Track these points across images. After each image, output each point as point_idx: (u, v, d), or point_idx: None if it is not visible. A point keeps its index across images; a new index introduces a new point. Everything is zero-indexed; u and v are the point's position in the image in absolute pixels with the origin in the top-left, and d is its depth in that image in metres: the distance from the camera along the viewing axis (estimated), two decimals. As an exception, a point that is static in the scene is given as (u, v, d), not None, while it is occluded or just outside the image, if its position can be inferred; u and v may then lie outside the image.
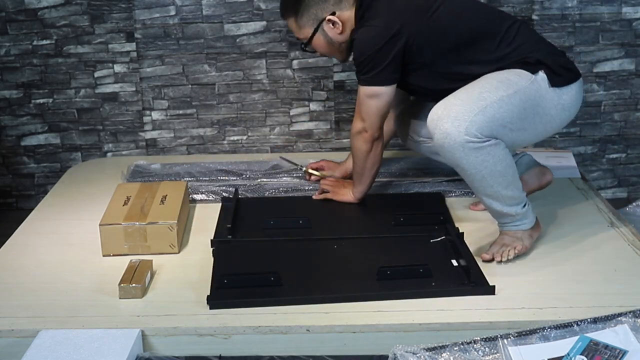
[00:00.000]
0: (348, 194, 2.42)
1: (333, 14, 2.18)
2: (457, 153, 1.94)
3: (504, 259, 2.05)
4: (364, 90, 2.16)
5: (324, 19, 2.19)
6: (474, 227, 2.28)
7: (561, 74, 2.06)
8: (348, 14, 2.19)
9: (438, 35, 2.09)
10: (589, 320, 1.66)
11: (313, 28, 2.21)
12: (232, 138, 3.13)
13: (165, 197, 2.31)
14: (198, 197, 2.54)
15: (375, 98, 2.16)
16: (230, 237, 2.21)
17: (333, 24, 2.19)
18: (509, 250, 2.06)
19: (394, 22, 2.08)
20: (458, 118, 1.92)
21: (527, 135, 2.06)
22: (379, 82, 2.13)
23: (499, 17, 2.16)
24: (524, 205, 2.06)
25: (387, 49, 2.08)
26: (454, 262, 2.03)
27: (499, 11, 2.25)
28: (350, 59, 2.26)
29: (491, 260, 2.05)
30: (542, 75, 2.04)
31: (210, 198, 2.54)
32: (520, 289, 1.92)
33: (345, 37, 2.21)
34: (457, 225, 2.26)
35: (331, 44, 2.24)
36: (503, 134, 1.97)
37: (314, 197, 2.48)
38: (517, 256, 2.07)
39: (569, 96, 2.07)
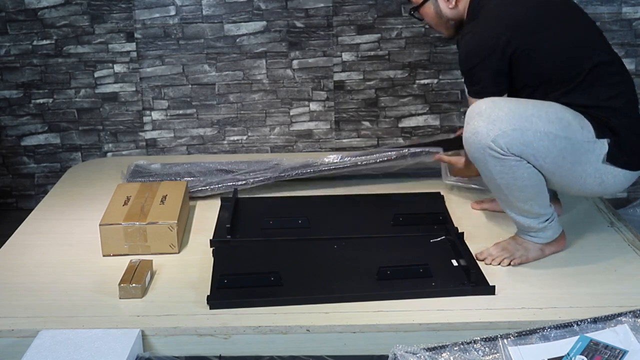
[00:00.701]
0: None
1: None
2: (477, 153, 1.90)
3: (494, 264, 2.04)
4: (471, 100, 2.04)
5: None
6: (474, 227, 2.28)
7: (625, 155, 1.95)
8: None
9: (538, 62, 1.97)
10: (589, 320, 1.66)
11: None
12: (232, 138, 3.13)
13: (165, 197, 2.31)
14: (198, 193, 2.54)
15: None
16: (229, 237, 2.21)
17: None
18: (504, 259, 2.05)
19: (500, 28, 1.96)
20: (494, 123, 1.85)
21: (557, 179, 1.96)
22: (488, 94, 1.98)
23: (612, 56, 2.01)
24: (545, 221, 2.02)
25: (492, 58, 1.96)
26: (454, 262, 2.03)
27: (612, 53, 2.04)
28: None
29: (483, 260, 2.05)
30: (604, 144, 1.93)
31: (210, 197, 2.54)
32: (520, 289, 1.92)
33: (455, 13, 2.10)
34: (457, 225, 2.26)
35: (439, 17, 2.13)
36: (532, 162, 1.90)
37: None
38: (519, 264, 2.06)
39: (615, 179, 1.97)
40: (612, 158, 1.94)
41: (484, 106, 1.89)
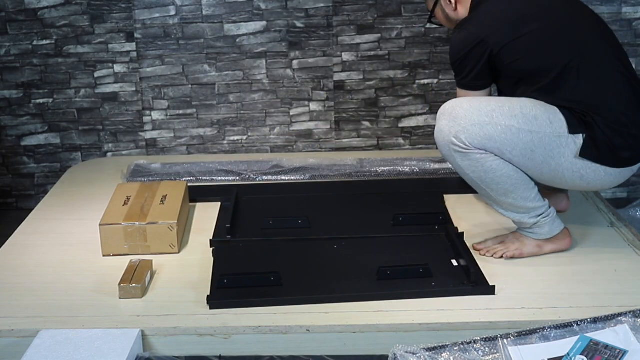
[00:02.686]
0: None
1: None
2: (444, 150, 1.99)
3: (487, 255, 2.09)
4: (458, 91, 2.14)
5: None
6: (474, 227, 2.28)
7: (601, 151, 1.94)
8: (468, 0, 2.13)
9: (517, 57, 2.01)
10: (589, 320, 1.66)
11: (433, 2, 2.20)
12: (232, 138, 3.13)
13: (165, 197, 2.31)
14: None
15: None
16: (229, 237, 2.21)
17: (448, 1, 2.14)
18: (498, 250, 2.08)
19: (483, 27, 2.03)
20: (455, 120, 1.94)
21: (531, 173, 1.99)
22: (470, 87, 2.10)
23: (600, 56, 2.00)
24: (537, 216, 2.03)
25: (474, 54, 2.04)
26: (454, 262, 2.03)
27: (609, 39, 2.07)
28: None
29: (479, 251, 2.10)
30: (578, 139, 1.94)
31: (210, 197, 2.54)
32: (520, 289, 1.92)
33: (460, 15, 2.15)
34: (457, 225, 2.26)
35: (449, 20, 2.20)
36: (499, 155, 1.94)
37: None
38: (512, 258, 2.08)
39: (595, 174, 1.98)
40: (586, 153, 1.95)
41: (448, 106, 1.99)
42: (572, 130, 1.95)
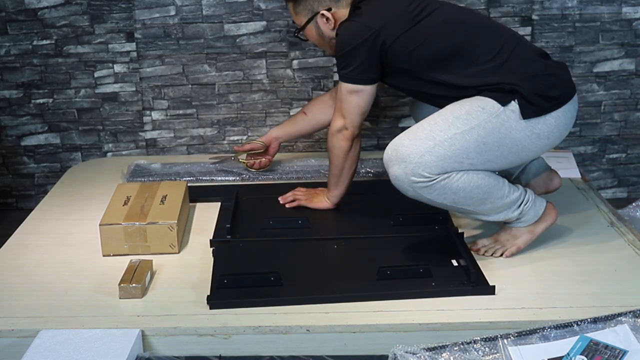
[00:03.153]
0: (323, 200, 2.40)
1: (329, 9, 2.19)
2: (409, 192, 1.97)
3: (487, 254, 2.09)
4: (345, 86, 2.15)
5: (319, 12, 2.21)
6: (474, 227, 2.28)
7: (536, 103, 1.98)
8: (343, 12, 2.19)
9: (416, 45, 2.06)
10: (589, 320, 1.66)
11: (307, 18, 2.24)
12: (232, 138, 3.13)
13: (165, 197, 2.31)
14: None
15: (356, 95, 2.15)
16: (229, 237, 2.21)
17: (326, 19, 2.20)
18: (497, 249, 2.09)
19: (373, 22, 2.07)
20: (405, 160, 1.92)
21: (497, 164, 2.01)
22: (357, 80, 2.12)
23: (490, 34, 2.09)
24: (519, 207, 2.04)
25: (363, 47, 2.07)
26: (454, 262, 2.03)
27: (494, 26, 2.18)
28: None
29: (477, 251, 2.11)
30: (513, 106, 1.97)
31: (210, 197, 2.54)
32: (520, 289, 1.92)
33: (333, 34, 2.21)
34: (457, 225, 2.26)
35: (322, 37, 2.26)
36: (462, 167, 1.95)
37: (281, 201, 2.46)
38: (512, 255, 2.09)
39: (546, 125, 2.00)
40: (526, 113, 1.97)
41: (389, 152, 1.96)
42: (503, 102, 1.97)
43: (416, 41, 2.05)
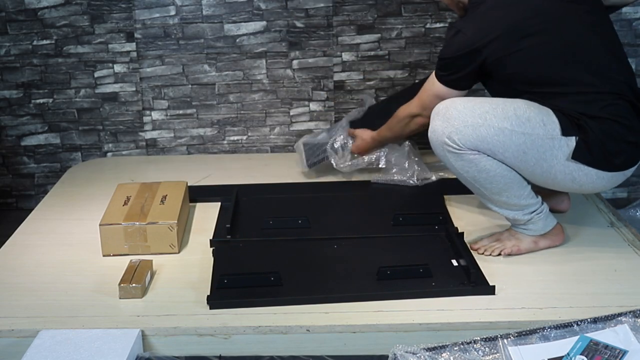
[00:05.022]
0: (366, 134, 2.56)
1: None
2: (437, 150, 2.00)
3: (486, 254, 2.09)
4: (437, 86, 2.12)
5: None
6: (474, 227, 2.28)
7: (593, 154, 1.94)
8: None
9: (514, 70, 2.00)
10: (589, 320, 1.66)
11: None
12: (232, 138, 3.13)
13: (165, 197, 2.31)
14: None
15: (443, 97, 2.08)
16: (229, 237, 2.21)
17: None
18: (496, 248, 2.10)
19: (481, 36, 1.99)
20: (449, 120, 1.94)
21: (523, 174, 2.00)
22: (449, 84, 2.10)
23: (600, 67, 1.98)
24: (531, 213, 2.04)
25: (463, 61, 2.04)
26: (454, 262, 2.03)
27: (608, 54, 2.03)
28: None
29: (476, 250, 2.11)
30: (571, 141, 1.94)
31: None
32: (520, 289, 1.92)
33: None
34: (456, 225, 2.26)
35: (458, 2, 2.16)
36: (492, 156, 1.95)
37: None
38: (510, 255, 2.09)
39: (587, 178, 1.98)
40: (578, 156, 1.95)
41: (442, 106, 1.98)
42: (565, 132, 1.94)
43: (515, 65, 1.99)
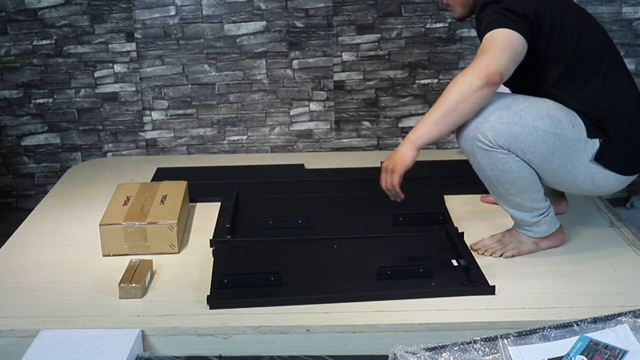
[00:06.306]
0: (405, 145, 1.93)
1: None
2: (466, 144, 1.93)
3: (486, 254, 2.09)
4: (502, 32, 1.85)
5: None
6: (474, 227, 2.28)
7: (615, 158, 1.95)
8: None
9: (568, 38, 1.93)
10: (589, 320, 1.66)
11: None
12: (232, 138, 3.13)
13: (165, 197, 2.31)
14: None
15: (511, 42, 1.85)
16: (229, 237, 2.21)
17: None
18: (496, 250, 2.09)
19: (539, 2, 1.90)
20: (483, 116, 1.88)
21: (546, 175, 1.99)
22: (519, 29, 1.86)
23: (613, 45, 2.01)
24: (539, 216, 2.04)
25: (531, 11, 1.88)
26: (454, 262, 2.03)
27: (616, 50, 2.04)
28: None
29: (477, 250, 2.11)
30: (595, 144, 1.94)
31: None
32: (520, 289, 1.92)
33: None
34: (456, 225, 2.26)
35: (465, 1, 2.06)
36: (520, 155, 1.92)
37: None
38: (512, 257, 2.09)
39: (605, 179, 1.98)
40: (601, 158, 1.95)
41: None
42: (591, 134, 1.94)
43: (567, 35, 1.92)
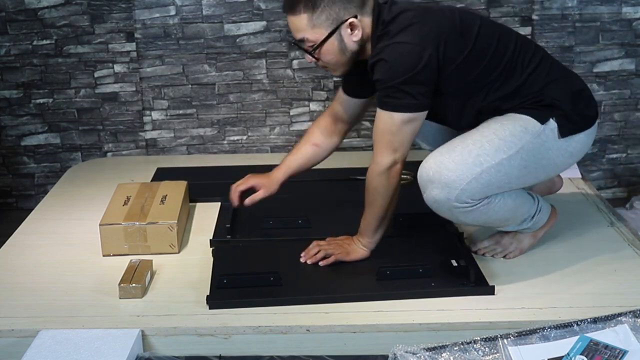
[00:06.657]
0: (359, 249, 2.05)
1: (355, 17, 1.88)
2: (446, 214, 1.91)
3: (487, 256, 2.09)
4: (400, 117, 1.86)
5: (345, 20, 1.88)
6: (474, 227, 2.27)
7: (575, 121, 1.94)
8: (367, 20, 1.90)
9: (473, 69, 1.90)
10: (589, 320, 1.66)
11: (330, 30, 1.88)
12: (232, 138, 3.13)
13: (165, 197, 2.31)
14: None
15: (411, 124, 1.89)
16: (229, 237, 2.21)
17: (352, 29, 1.89)
18: (498, 252, 2.09)
19: (428, 43, 1.83)
20: (449, 185, 1.83)
21: (529, 183, 2.01)
22: (416, 108, 1.87)
23: (522, 45, 1.97)
24: (532, 217, 2.04)
25: (424, 73, 1.83)
26: (454, 262, 2.03)
27: (521, 37, 2.01)
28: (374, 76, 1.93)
29: (477, 252, 2.11)
30: (552, 124, 1.91)
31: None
32: (520, 289, 1.92)
33: (356, 46, 1.93)
34: (456, 225, 2.26)
35: (342, 52, 1.93)
36: (501, 191, 1.91)
37: (308, 260, 2.05)
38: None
39: (579, 143, 1.98)
40: (565, 130, 1.93)
41: (431, 172, 1.85)
42: (542, 119, 1.91)
43: (473, 64, 1.89)
